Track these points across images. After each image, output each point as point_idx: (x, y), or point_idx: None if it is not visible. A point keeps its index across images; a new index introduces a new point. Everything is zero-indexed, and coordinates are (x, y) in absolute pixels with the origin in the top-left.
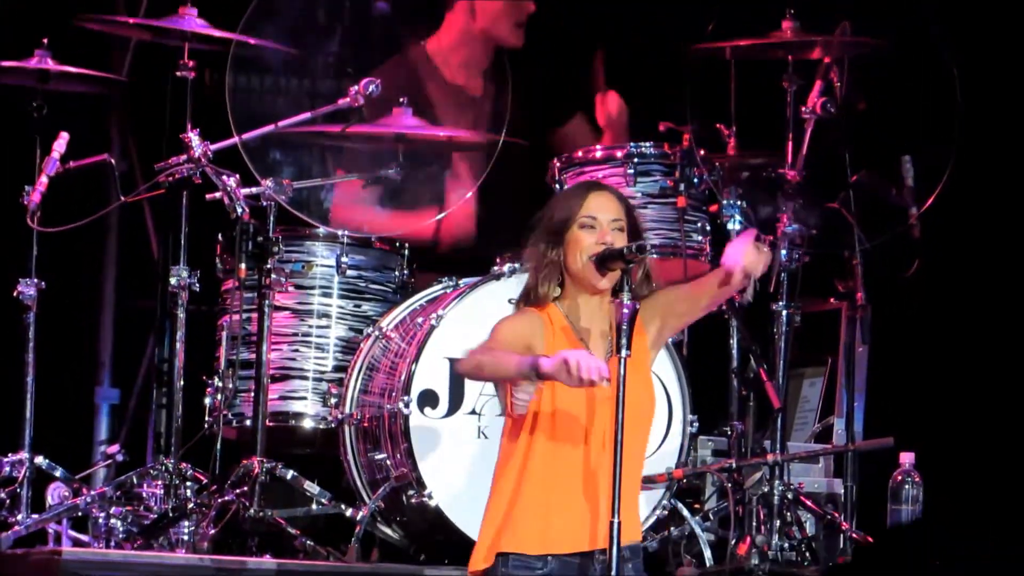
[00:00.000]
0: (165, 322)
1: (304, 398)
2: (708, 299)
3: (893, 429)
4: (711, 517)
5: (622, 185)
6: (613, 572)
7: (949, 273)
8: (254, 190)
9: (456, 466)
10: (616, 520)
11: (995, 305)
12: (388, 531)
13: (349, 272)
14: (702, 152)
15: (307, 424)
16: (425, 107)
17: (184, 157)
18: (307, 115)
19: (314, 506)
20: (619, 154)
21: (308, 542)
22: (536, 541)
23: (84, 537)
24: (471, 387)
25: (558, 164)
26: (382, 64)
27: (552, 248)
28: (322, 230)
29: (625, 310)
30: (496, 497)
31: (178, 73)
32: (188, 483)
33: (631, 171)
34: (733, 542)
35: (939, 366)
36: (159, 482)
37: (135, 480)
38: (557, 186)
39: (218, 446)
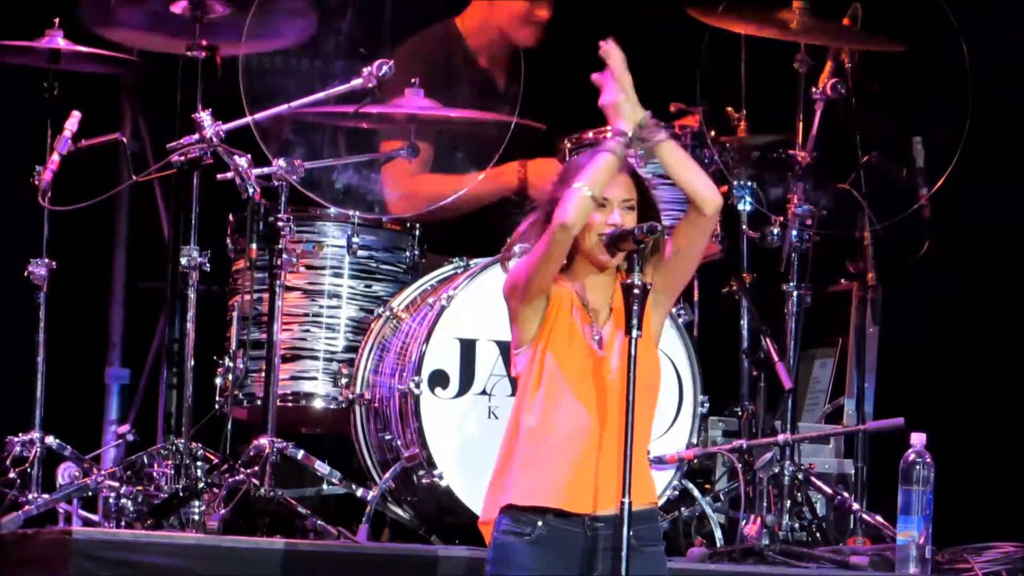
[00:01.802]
0: (176, 302)
1: (315, 378)
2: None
3: (904, 410)
4: (722, 497)
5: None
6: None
7: (960, 254)
8: (266, 170)
9: (467, 446)
10: (627, 500)
11: (1006, 286)
12: (399, 511)
13: (360, 252)
14: (712, 133)
15: (318, 404)
16: (446, 85)
17: (196, 137)
18: (320, 95)
19: (325, 486)
20: None
21: (319, 522)
22: (528, 493)
23: (94, 517)
24: (482, 368)
25: (568, 145)
26: (409, 37)
27: None
28: (333, 210)
29: (636, 290)
30: (499, 454)
31: (189, 53)
32: (198, 463)
33: (642, 151)
34: (743, 522)
35: (950, 347)
36: (169, 462)
37: (145, 460)
38: None
39: (228, 426)
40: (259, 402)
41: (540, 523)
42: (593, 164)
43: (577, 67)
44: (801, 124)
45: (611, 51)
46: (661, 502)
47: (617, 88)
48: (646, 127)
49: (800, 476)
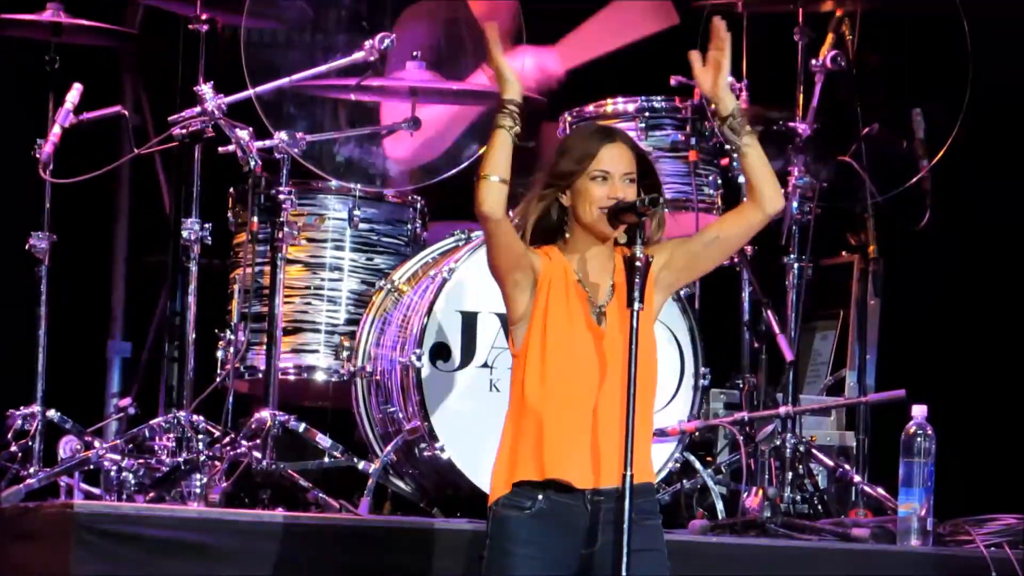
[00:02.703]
0: (177, 275)
1: (316, 351)
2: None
3: (905, 382)
4: (723, 470)
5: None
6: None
7: (960, 226)
8: (267, 143)
9: (468, 419)
10: (629, 472)
11: (1007, 257)
12: (400, 484)
13: (361, 225)
14: (713, 106)
15: (319, 377)
16: (448, 56)
17: (197, 110)
18: (321, 69)
19: (326, 459)
20: (631, 108)
21: (320, 495)
22: (530, 469)
23: (96, 490)
24: (483, 340)
25: (569, 118)
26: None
27: (559, 192)
28: (334, 183)
29: (638, 263)
30: (502, 433)
31: (191, 26)
32: (200, 436)
33: (642, 125)
34: (745, 495)
35: (951, 319)
36: (171, 435)
37: (147, 433)
38: None
39: (230, 399)
40: (261, 375)
41: (540, 497)
42: (490, 146)
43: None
44: (801, 96)
45: (722, 32)
46: (663, 474)
47: (719, 71)
48: (739, 115)
49: (801, 448)
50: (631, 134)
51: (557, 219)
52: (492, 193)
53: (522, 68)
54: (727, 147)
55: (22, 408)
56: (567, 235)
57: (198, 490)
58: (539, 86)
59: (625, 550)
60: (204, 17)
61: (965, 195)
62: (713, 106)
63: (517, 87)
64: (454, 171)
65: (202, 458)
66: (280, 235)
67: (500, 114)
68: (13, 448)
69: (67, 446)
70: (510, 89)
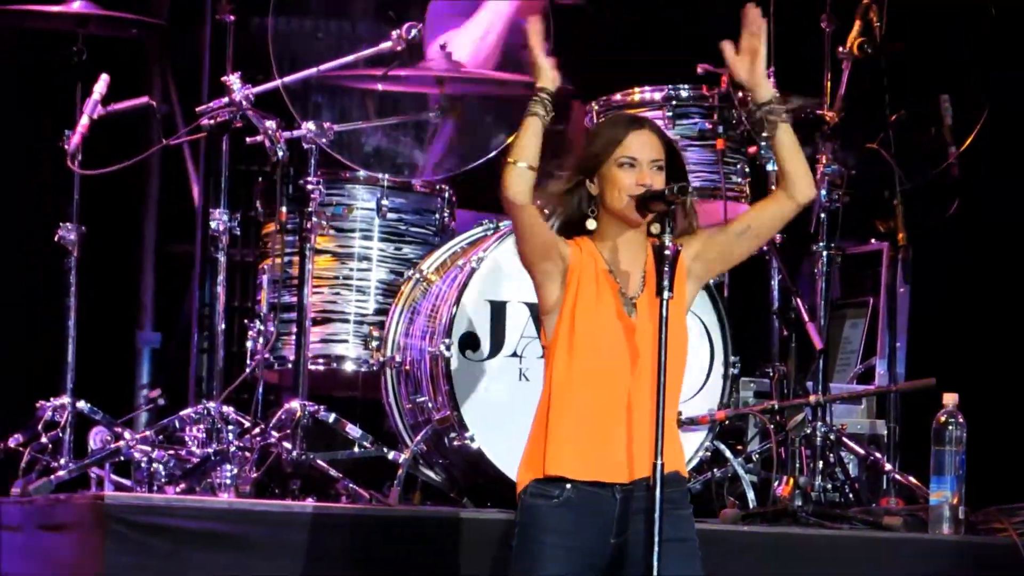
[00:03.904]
0: (206, 266)
1: (345, 341)
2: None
3: (935, 370)
4: (754, 459)
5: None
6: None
7: (989, 212)
8: (295, 133)
9: (497, 409)
10: (660, 462)
11: None
12: (430, 474)
13: (389, 215)
14: (740, 94)
15: (348, 367)
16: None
17: (225, 100)
18: (349, 59)
19: (356, 449)
20: (657, 97)
21: (350, 485)
22: (561, 463)
23: (126, 481)
24: (512, 330)
25: (596, 107)
26: None
27: (585, 178)
28: (362, 174)
29: (667, 251)
30: (532, 423)
31: (218, 16)
32: (230, 427)
33: (669, 114)
34: (776, 483)
35: (981, 306)
36: (201, 426)
37: (177, 424)
38: None
39: (260, 390)
40: (290, 365)
41: (569, 486)
42: (520, 132)
43: (605, 28)
44: (829, 84)
45: (757, 19)
46: (694, 463)
47: (755, 58)
48: (776, 102)
49: (832, 437)
50: (658, 123)
51: (586, 207)
52: (519, 179)
53: None
54: (757, 135)
55: (52, 399)
56: (593, 224)
57: (228, 481)
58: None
59: (656, 539)
60: (231, 7)
61: (995, 181)
62: (747, 94)
63: (551, 76)
64: (482, 160)
65: (232, 449)
66: (308, 225)
67: (532, 101)
68: (43, 439)
69: (97, 437)
70: (544, 77)
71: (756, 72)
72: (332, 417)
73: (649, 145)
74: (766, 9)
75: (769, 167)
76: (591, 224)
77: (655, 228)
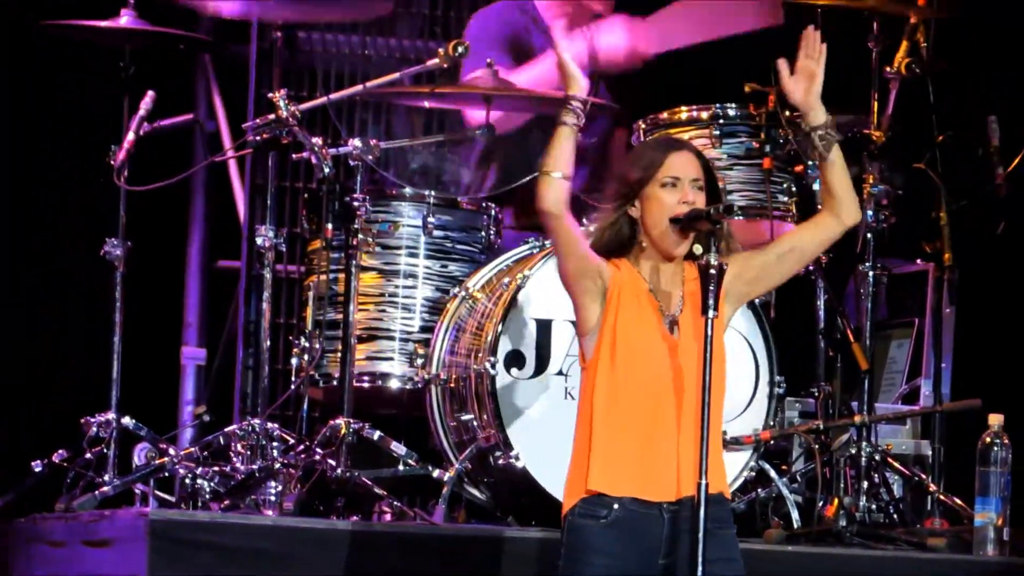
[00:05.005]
0: (252, 282)
1: (391, 359)
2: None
3: (981, 391)
4: (798, 479)
5: (707, 147)
6: (700, 535)
7: None
8: (341, 150)
9: (543, 427)
10: (704, 481)
11: None
12: (475, 492)
13: (435, 232)
14: (787, 113)
15: (394, 385)
16: (521, 63)
17: (271, 117)
18: (395, 76)
19: (400, 467)
20: (704, 115)
21: (395, 503)
22: (607, 483)
23: (170, 498)
24: (557, 348)
25: (643, 126)
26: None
27: (628, 202)
28: (408, 191)
29: (712, 271)
30: (574, 443)
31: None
32: (275, 444)
33: (716, 132)
34: (820, 504)
35: None
36: (246, 443)
37: (221, 441)
38: None
39: (305, 407)
40: (335, 382)
41: (616, 506)
42: (552, 142)
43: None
44: (876, 104)
45: (816, 43)
46: (739, 483)
47: (812, 81)
48: (831, 126)
49: (877, 457)
50: (704, 142)
51: (628, 232)
52: (554, 189)
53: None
54: (805, 155)
55: (97, 415)
56: (639, 247)
57: (273, 498)
58: (627, 62)
59: (700, 559)
60: (279, 23)
61: None
62: (796, 114)
63: (582, 84)
64: (528, 178)
65: (276, 466)
66: (354, 242)
67: (564, 110)
68: (88, 455)
69: (141, 453)
70: (574, 86)
71: (812, 95)
72: (377, 435)
73: (690, 165)
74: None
75: (816, 186)
76: (634, 247)
77: (697, 249)
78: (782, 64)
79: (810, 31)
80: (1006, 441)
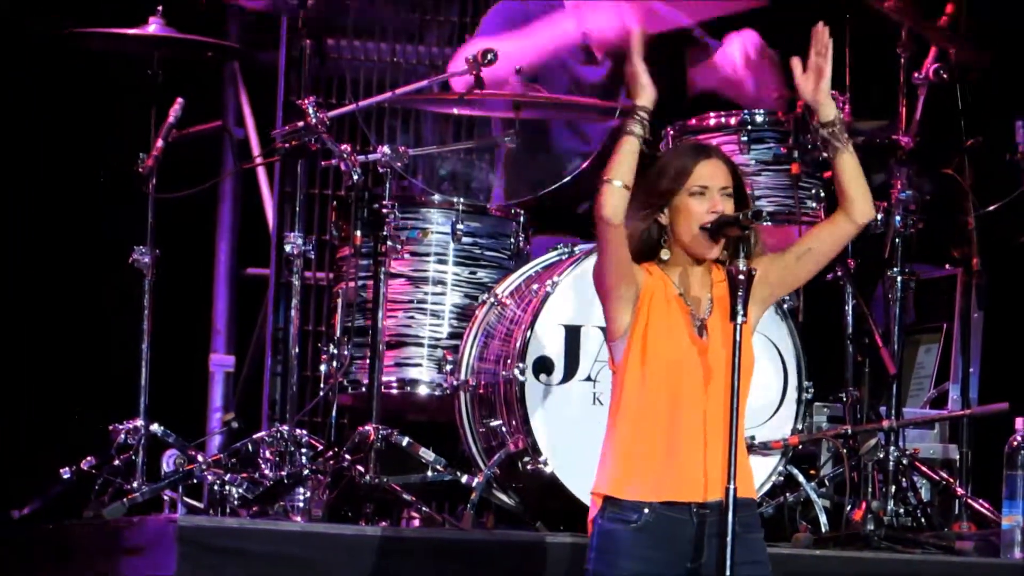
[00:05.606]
0: (280, 289)
1: (419, 365)
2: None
3: (1009, 395)
4: (827, 483)
5: (735, 153)
6: (729, 538)
7: None
8: (370, 157)
9: (571, 433)
10: (732, 486)
11: None
12: (504, 498)
13: (464, 239)
14: (812, 112)
15: (422, 391)
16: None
17: (300, 124)
18: (424, 83)
19: (429, 473)
20: (733, 121)
21: (424, 509)
22: (635, 487)
23: (199, 504)
24: (586, 354)
25: (672, 132)
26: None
27: (657, 211)
28: (437, 197)
29: (741, 276)
30: (603, 448)
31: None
32: (303, 450)
33: (744, 138)
34: (849, 508)
35: None
36: (274, 449)
37: (250, 447)
38: None
39: (334, 413)
40: (364, 389)
41: (646, 510)
42: (617, 151)
43: (682, 53)
44: (904, 109)
45: (824, 39)
46: (767, 488)
47: (820, 77)
48: (839, 122)
49: (905, 461)
50: (732, 147)
51: (657, 237)
52: (614, 198)
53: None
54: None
55: (126, 422)
56: (667, 253)
57: (301, 504)
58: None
59: (728, 563)
60: (306, 31)
61: None
62: (812, 112)
63: (651, 94)
64: (557, 185)
65: (305, 472)
66: (383, 249)
67: (630, 120)
68: (116, 462)
69: (170, 460)
70: (644, 95)
71: (821, 91)
72: (405, 441)
73: (718, 173)
74: (842, 36)
75: None
76: (664, 254)
77: (722, 255)
78: (795, 63)
79: (819, 28)
80: None
